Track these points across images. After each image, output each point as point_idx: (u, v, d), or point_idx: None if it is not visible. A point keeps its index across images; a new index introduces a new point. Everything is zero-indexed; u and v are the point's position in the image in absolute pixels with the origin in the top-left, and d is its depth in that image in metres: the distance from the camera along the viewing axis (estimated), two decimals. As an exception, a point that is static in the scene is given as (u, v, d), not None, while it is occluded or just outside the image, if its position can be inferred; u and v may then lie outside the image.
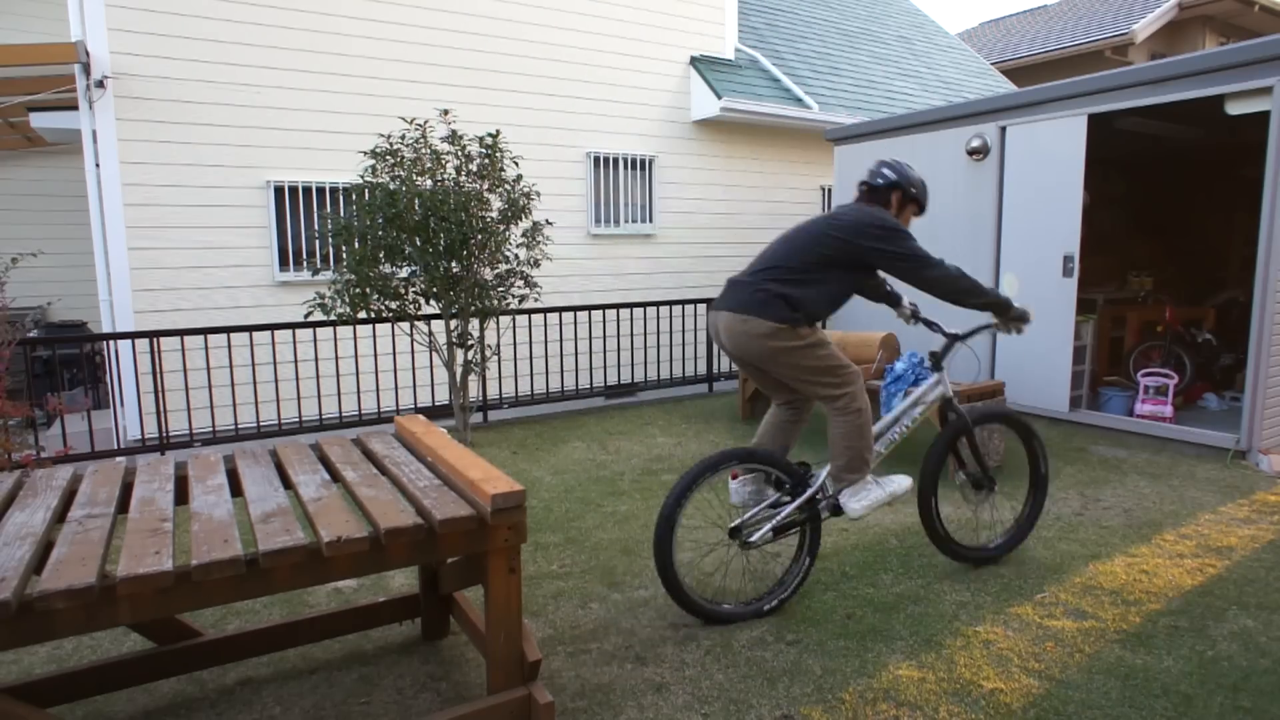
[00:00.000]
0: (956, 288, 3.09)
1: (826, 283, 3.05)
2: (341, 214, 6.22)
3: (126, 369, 5.81)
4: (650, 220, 8.41)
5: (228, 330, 5.70)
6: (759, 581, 3.39)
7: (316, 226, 6.48)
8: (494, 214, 5.71)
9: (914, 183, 3.28)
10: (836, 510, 3.18)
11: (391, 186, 5.36)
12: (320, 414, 6.24)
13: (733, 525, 3.15)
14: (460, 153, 5.60)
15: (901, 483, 3.21)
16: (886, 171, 3.27)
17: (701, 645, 2.88)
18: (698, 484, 2.96)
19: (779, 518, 3.13)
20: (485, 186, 5.67)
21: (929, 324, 3.51)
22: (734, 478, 3.28)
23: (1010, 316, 3.30)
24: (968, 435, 3.49)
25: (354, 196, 5.54)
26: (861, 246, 3.03)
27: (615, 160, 8.11)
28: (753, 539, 3.11)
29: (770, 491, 3.24)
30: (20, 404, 4.74)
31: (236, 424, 5.99)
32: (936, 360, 3.44)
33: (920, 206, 3.33)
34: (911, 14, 13.50)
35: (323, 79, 6.55)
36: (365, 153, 5.56)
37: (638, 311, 7.82)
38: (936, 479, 3.38)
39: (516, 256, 5.86)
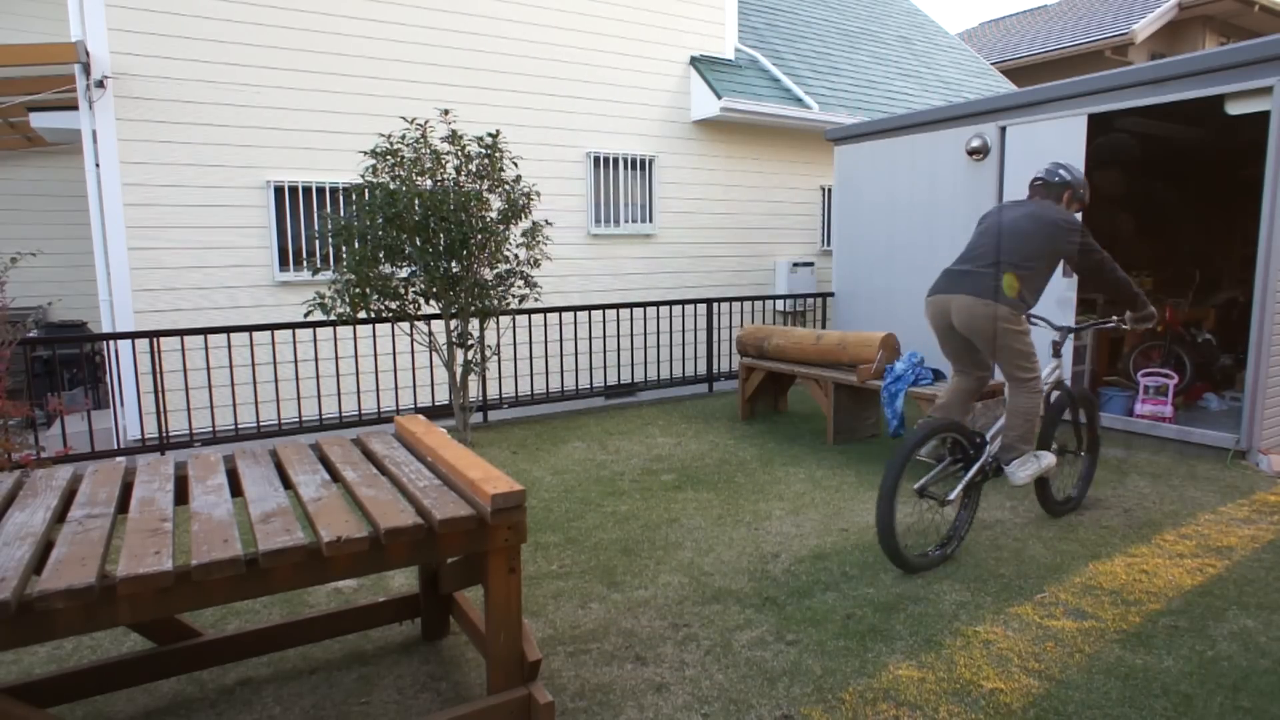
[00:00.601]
0: (1118, 279, 3.68)
1: (1042, 277, 3.65)
2: (341, 214, 6.22)
3: (126, 369, 5.81)
4: (650, 220, 8.41)
5: (228, 330, 5.70)
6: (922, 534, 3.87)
7: (316, 226, 6.47)
8: (494, 214, 5.72)
9: (1083, 184, 3.81)
10: (997, 472, 3.78)
11: (392, 186, 5.36)
12: (320, 414, 6.24)
13: (917, 486, 3.59)
14: (460, 153, 5.60)
15: (1050, 458, 3.78)
16: (1063, 173, 3.78)
17: (701, 645, 2.88)
18: (913, 456, 3.40)
19: (967, 479, 3.63)
20: (485, 186, 5.68)
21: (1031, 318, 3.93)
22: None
23: (1142, 315, 3.84)
24: (1072, 407, 4.15)
25: (354, 196, 5.55)
26: (1069, 246, 3.60)
27: (615, 160, 8.11)
28: (950, 497, 3.59)
29: (946, 451, 3.72)
30: (20, 404, 4.73)
31: (236, 424, 6.00)
32: (1057, 348, 4.03)
33: (1082, 205, 3.84)
34: (911, 14, 13.50)
35: (323, 79, 6.55)
36: (365, 152, 5.56)
37: (637, 311, 7.82)
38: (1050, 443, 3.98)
39: (516, 256, 5.86)
